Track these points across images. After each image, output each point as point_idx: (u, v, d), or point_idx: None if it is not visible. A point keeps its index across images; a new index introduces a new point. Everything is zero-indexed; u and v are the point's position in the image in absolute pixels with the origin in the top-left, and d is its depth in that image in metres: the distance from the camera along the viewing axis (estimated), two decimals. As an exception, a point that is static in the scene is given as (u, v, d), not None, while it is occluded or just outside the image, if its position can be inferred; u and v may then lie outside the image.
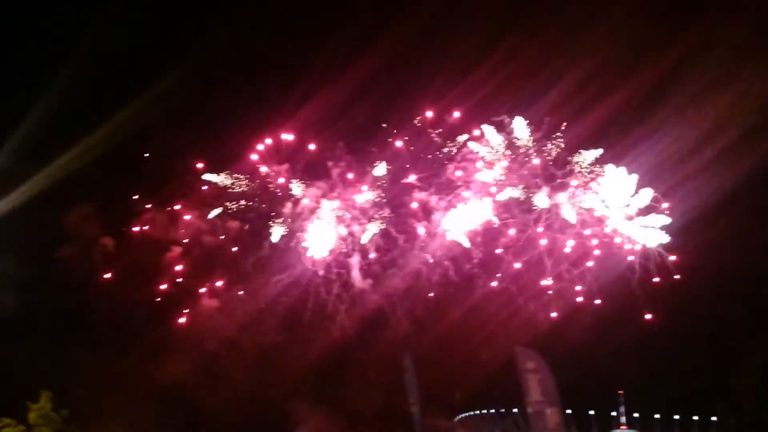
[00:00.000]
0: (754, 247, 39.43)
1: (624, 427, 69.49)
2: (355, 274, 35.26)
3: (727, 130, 34.21)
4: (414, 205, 35.52)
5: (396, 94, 36.11)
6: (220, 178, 35.87)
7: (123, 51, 35.35)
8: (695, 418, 62.94)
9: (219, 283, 36.21)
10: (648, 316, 36.89)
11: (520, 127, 34.87)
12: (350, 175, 36.57)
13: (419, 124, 35.33)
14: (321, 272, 35.46)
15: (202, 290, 36.56)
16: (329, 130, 36.73)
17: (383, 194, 35.86)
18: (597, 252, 36.08)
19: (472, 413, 69.32)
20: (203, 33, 35.17)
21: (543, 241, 35.27)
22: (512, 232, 35.03)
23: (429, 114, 35.68)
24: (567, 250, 35.19)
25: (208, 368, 39.61)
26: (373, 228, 35.28)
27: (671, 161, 35.19)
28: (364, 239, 35.30)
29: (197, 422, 42.55)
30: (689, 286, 38.33)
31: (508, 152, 34.92)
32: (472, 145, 35.04)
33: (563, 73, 34.07)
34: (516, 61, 34.02)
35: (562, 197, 34.34)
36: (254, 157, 36.16)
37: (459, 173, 35.81)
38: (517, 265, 35.30)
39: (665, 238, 35.39)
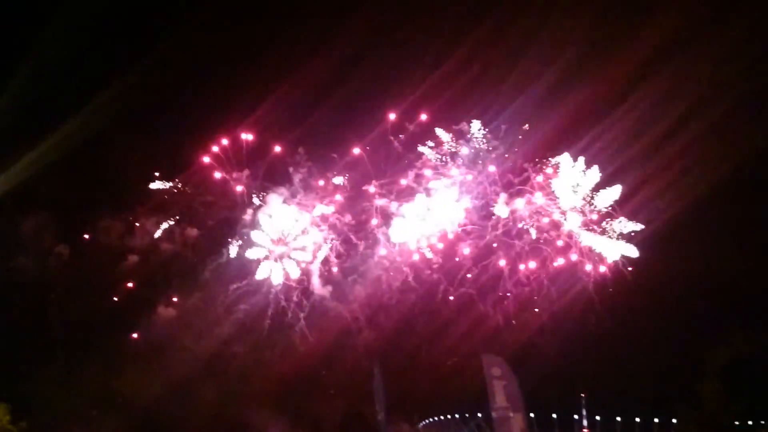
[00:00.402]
0: (716, 253, 40.07)
1: (586, 431, 70.37)
2: (315, 281, 34.96)
3: (683, 135, 34.69)
4: (374, 212, 35.34)
5: (357, 100, 35.96)
6: (172, 185, 35.23)
7: (76, 57, 34.75)
8: (656, 420, 63.98)
9: (176, 293, 35.49)
10: (607, 319, 36.93)
11: (477, 133, 34.96)
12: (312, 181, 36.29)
13: (380, 130, 35.17)
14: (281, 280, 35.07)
15: (160, 299, 35.82)
16: (290, 136, 36.49)
17: (344, 200, 35.65)
18: (560, 261, 36.21)
19: (435, 419, 69.60)
20: (158, 38, 34.71)
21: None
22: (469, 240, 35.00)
23: (391, 117, 35.48)
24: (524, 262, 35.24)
25: (168, 378, 39.10)
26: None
27: (628, 168, 35.57)
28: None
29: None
30: (651, 290, 38.69)
31: (461, 159, 34.97)
32: (429, 153, 35.06)
33: (523, 79, 34.26)
34: (474, 69, 34.19)
35: (519, 203, 34.55)
36: (212, 163, 35.62)
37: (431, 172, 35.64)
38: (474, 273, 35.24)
39: (627, 249, 35.68)
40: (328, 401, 43.95)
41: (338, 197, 35.90)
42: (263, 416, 43.32)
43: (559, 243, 35.27)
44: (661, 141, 34.67)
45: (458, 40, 34.54)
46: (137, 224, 36.13)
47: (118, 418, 38.63)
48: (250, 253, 35.19)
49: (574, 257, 34.95)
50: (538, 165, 34.78)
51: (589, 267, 35.99)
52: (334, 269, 35.76)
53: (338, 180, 35.88)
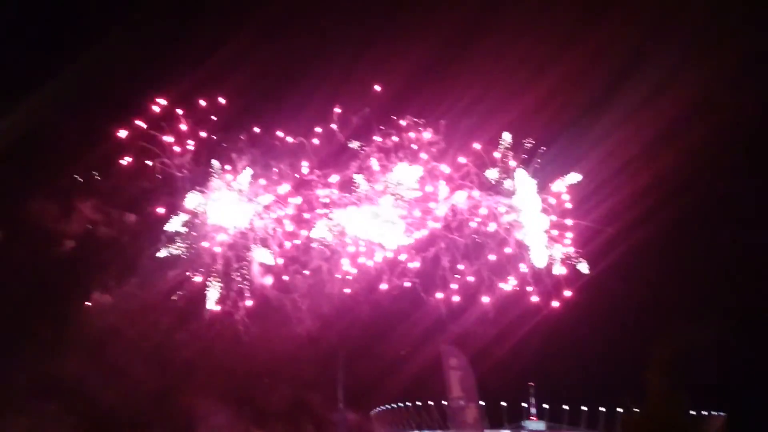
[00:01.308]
0: (664, 247, 40.53)
1: (534, 418, 71.35)
2: (256, 269, 34.46)
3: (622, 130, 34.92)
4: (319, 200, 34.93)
5: (302, 90, 35.50)
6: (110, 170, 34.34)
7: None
8: (601, 409, 65.05)
9: (113, 280, 34.76)
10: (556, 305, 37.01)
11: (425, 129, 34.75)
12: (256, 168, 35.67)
13: (325, 121, 34.74)
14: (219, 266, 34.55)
15: (97, 285, 35.08)
16: (234, 122, 35.83)
17: (287, 189, 35.14)
18: (509, 250, 36.18)
19: (387, 407, 69.85)
20: (98, 22, 33.76)
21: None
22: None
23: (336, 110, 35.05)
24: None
25: (107, 365, 38.48)
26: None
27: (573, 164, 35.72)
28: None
29: (98, 421, 41.45)
30: (599, 284, 38.97)
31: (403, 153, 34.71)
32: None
33: (467, 75, 34.11)
34: (420, 65, 33.96)
35: (460, 196, 34.41)
36: (152, 147, 34.80)
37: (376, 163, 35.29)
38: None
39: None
40: (273, 390, 43.74)
41: (282, 186, 35.29)
42: (207, 405, 42.94)
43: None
44: (602, 136, 34.84)
45: (404, 35, 34.27)
46: (73, 209, 35.09)
47: (57, 406, 38.00)
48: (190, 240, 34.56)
49: (508, 250, 34.87)
50: (479, 159, 34.64)
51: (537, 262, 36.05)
52: (279, 260, 35.26)
53: (282, 169, 35.25)
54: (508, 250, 34.83)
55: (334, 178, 34.76)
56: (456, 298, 35.61)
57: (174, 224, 34.58)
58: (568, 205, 35.84)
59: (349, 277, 35.66)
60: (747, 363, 50.99)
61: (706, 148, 35.60)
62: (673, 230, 40.80)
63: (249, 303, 35.07)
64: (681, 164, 35.58)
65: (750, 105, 35.61)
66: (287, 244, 34.81)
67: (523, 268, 35.40)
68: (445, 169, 34.29)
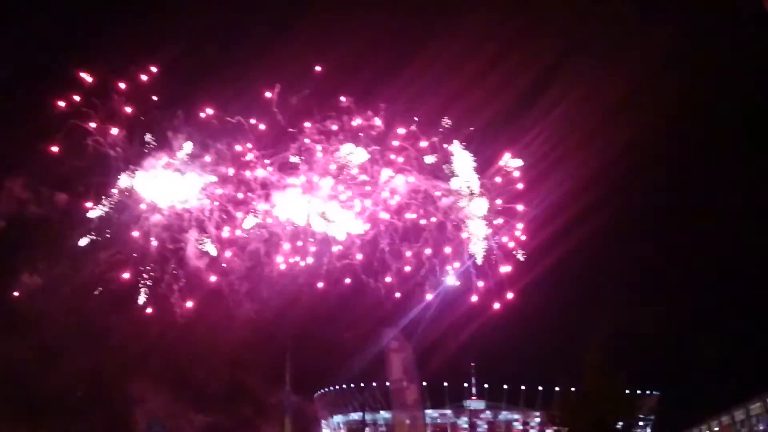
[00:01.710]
0: (602, 231, 41.25)
1: (474, 398, 73.08)
2: (191, 250, 33.74)
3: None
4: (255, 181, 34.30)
5: (241, 69, 34.71)
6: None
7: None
8: (540, 388, 66.83)
9: (43, 260, 33.62)
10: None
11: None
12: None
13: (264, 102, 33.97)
14: (154, 246, 33.71)
15: (25, 266, 33.90)
16: (170, 100, 34.81)
17: (224, 169, 34.39)
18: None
19: (329, 389, 70.37)
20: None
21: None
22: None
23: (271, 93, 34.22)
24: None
25: (40, 348, 37.55)
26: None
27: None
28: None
29: (33, 404, 40.58)
30: (538, 267, 39.40)
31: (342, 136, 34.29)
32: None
33: (407, 58, 33.86)
34: (364, 47, 33.53)
35: (399, 179, 34.25)
36: (84, 124, 33.58)
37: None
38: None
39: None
40: (211, 373, 43.33)
41: (218, 166, 34.53)
42: (144, 389, 42.36)
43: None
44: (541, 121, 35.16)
45: (345, 18, 33.77)
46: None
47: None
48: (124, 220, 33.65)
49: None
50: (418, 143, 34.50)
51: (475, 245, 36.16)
52: (213, 245, 34.56)
53: (219, 148, 34.43)
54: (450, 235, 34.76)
55: (273, 160, 34.09)
56: (392, 280, 35.42)
57: (107, 204, 33.50)
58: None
59: (290, 260, 35.19)
60: (681, 344, 52.73)
61: (643, 140, 36.45)
62: (613, 215, 41.64)
63: (183, 286, 34.25)
64: (621, 153, 36.26)
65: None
66: (226, 229, 34.10)
67: (463, 251, 35.43)
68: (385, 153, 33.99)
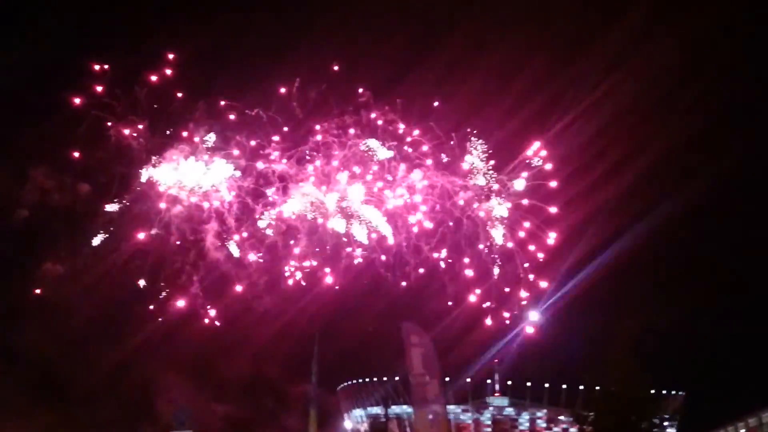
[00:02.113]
0: (631, 231, 40.68)
1: (497, 394, 72.63)
2: (210, 241, 33.91)
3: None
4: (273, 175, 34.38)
5: (259, 63, 34.72)
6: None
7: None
8: (564, 386, 66.12)
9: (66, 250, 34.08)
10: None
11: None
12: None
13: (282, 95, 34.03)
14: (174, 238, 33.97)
15: (49, 255, 34.41)
16: (192, 93, 35.03)
17: (243, 162, 34.52)
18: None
19: (352, 382, 70.52)
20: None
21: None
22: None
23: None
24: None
25: (65, 337, 38.14)
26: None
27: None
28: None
29: (59, 391, 41.34)
30: (564, 266, 38.95)
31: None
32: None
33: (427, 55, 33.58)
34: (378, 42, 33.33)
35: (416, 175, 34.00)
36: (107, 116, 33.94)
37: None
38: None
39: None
40: (233, 364, 43.65)
41: (237, 160, 34.65)
42: (167, 378, 42.85)
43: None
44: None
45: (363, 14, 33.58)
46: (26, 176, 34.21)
47: (12, 376, 37.70)
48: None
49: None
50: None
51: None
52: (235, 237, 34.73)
53: (240, 140, 34.56)
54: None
55: (291, 153, 34.14)
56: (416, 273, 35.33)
57: (129, 195, 33.89)
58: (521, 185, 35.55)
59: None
60: (707, 345, 51.72)
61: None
62: (640, 215, 41.01)
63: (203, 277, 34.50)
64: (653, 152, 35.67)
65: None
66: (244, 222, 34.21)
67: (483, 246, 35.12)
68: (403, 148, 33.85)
